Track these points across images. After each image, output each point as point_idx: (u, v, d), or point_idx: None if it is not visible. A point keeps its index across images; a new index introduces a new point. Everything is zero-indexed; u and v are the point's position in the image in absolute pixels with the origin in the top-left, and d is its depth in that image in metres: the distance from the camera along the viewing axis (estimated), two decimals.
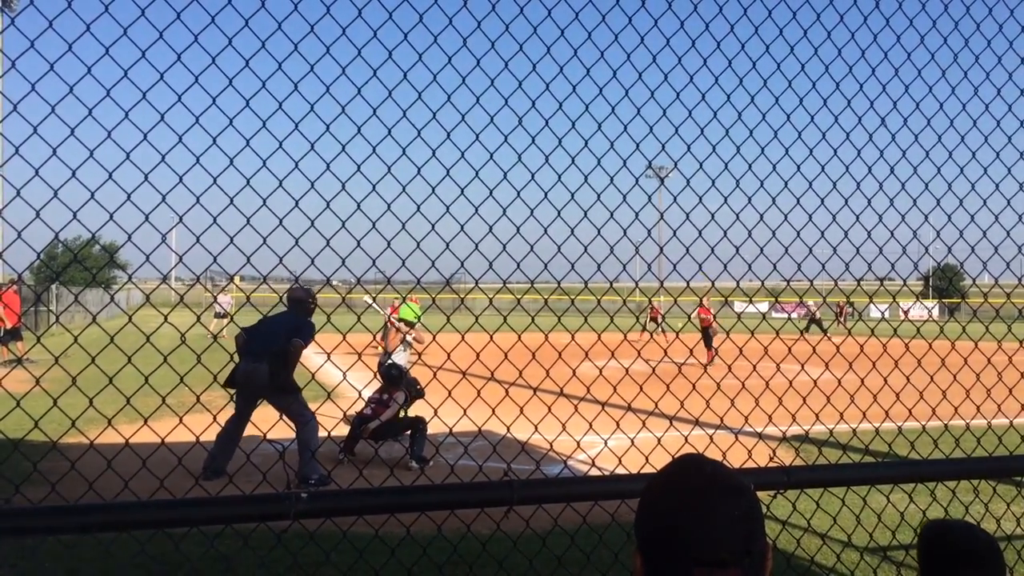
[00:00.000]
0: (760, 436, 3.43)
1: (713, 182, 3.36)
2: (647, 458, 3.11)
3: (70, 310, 37.70)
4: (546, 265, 3.10)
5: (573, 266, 3.17)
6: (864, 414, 3.61)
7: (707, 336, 20.70)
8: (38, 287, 29.41)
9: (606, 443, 3.23)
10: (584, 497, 2.86)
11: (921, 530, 2.43)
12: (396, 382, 9.89)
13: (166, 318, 2.33)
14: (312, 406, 7.48)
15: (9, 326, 19.43)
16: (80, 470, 2.50)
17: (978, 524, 2.35)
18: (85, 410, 2.21)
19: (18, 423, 2.32)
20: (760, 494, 2.81)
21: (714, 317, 18.34)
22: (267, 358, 8.33)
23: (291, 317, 8.67)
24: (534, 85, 3.15)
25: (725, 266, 3.41)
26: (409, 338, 11.08)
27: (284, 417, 7.96)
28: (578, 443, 3.19)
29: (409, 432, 9.29)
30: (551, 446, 3.06)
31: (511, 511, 2.64)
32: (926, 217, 3.76)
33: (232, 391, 8.58)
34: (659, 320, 33.07)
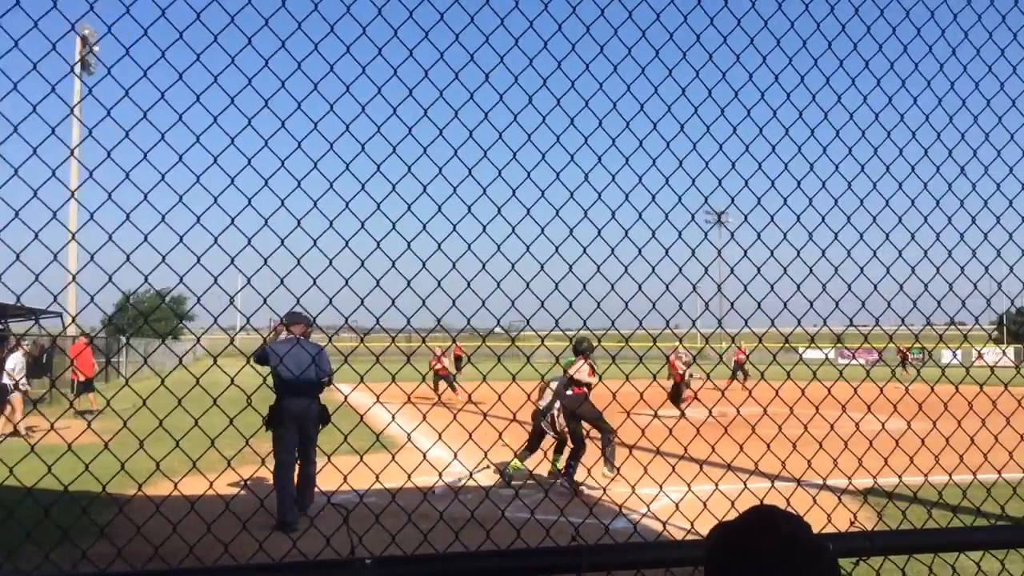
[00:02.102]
0: (840, 498, 3.28)
1: (772, 218, 3.27)
2: (720, 521, 2.98)
3: (136, 362, 38.64)
4: (613, 323, 3.04)
5: (641, 323, 3.11)
6: (950, 475, 3.43)
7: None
8: (109, 341, 30.25)
9: (677, 507, 3.11)
10: (656, 564, 2.75)
11: None
12: (586, 352, 10.23)
13: (232, 380, 2.33)
14: (375, 461, 7.46)
15: (83, 379, 19.99)
16: (146, 532, 2.50)
17: None
18: (151, 475, 2.21)
19: (84, 479, 2.34)
20: (841, 561, 2.67)
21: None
22: (314, 393, 8.61)
23: (309, 346, 8.81)
24: (614, 160, 3.12)
25: (799, 321, 3.30)
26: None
27: (304, 449, 8.48)
28: (648, 507, 3.09)
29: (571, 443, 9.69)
30: (619, 510, 2.97)
31: None
32: (998, 252, 3.59)
33: (271, 430, 8.74)
34: (744, 366, 29.03)
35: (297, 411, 8.37)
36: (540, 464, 9.80)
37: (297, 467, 8.61)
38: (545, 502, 2.68)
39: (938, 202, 3.42)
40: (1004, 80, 3.49)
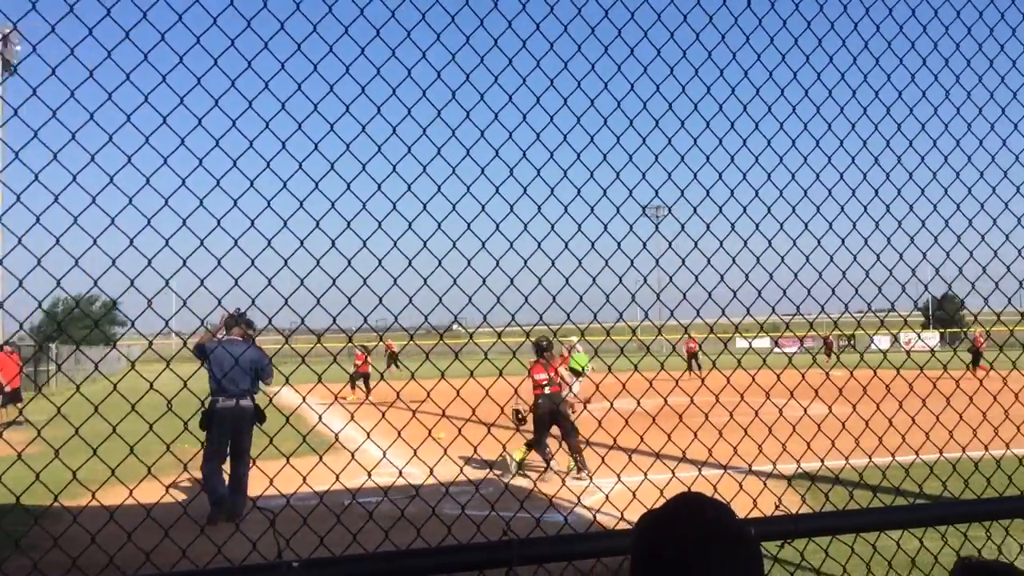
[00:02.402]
0: (765, 482, 3.37)
1: (695, 209, 3.33)
2: (648, 509, 3.02)
3: (68, 366, 37.45)
4: (541, 316, 3.06)
5: (568, 316, 3.12)
6: (870, 457, 3.54)
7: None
8: (36, 349, 29.25)
9: (607, 497, 3.15)
10: (587, 555, 2.78)
11: (957, 570, 2.32)
12: (551, 351, 10.75)
13: (151, 385, 2.27)
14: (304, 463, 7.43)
15: (8, 389, 19.30)
16: (64, 543, 2.43)
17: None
18: (67, 484, 2.15)
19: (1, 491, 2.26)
20: (767, 544, 2.73)
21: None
22: (249, 395, 8.51)
23: (247, 348, 8.76)
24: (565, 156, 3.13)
25: (723, 311, 3.36)
26: (573, 391, 11.02)
27: (237, 449, 8.50)
28: (579, 498, 3.12)
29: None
30: (550, 503, 2.98)
31: (512, 571, 2.57)
32: (912, 240, 3.71)
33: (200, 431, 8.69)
34: (698, 357, 30.28)
35: (228, 412, 8.36)
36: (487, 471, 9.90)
37: (229, 471, 8.60)
38: (476, 498, 2.69)
39: (854, 192, 3.52)
40: (914, 72, 3.60)
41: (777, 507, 3.14)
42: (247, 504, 8.22)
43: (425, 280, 2.88)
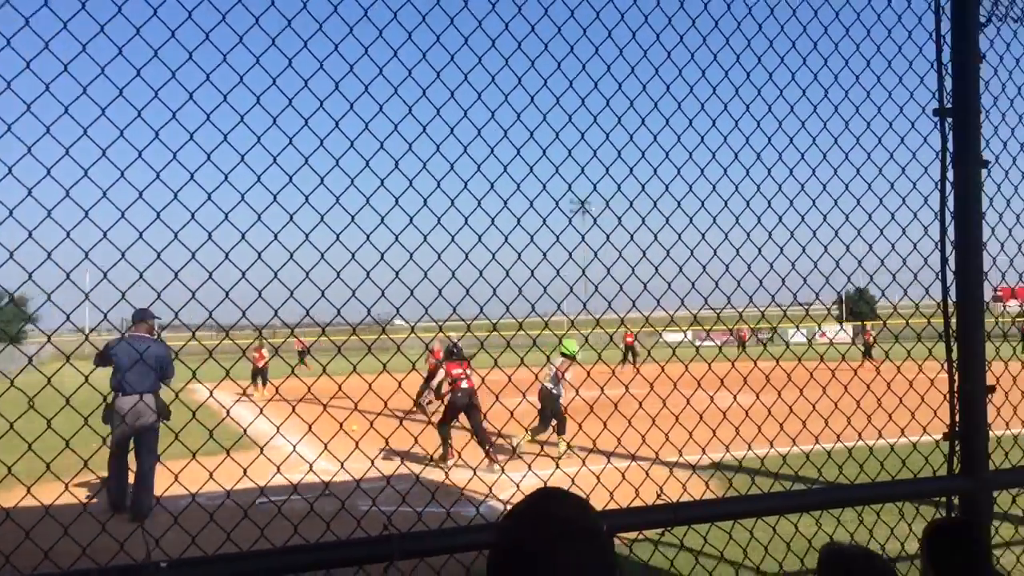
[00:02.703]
0: (647, 472, 3.45)
1: (631, 202, 3.38)
2: (511, 506, 3.06)
3: None
4: (455, 308, 3.06)
5: (483, 310, 3.14)
6: (749, 445, 3.67)
7: None
8: None
9: (491, 489, 3.18)
10: (469, 547, 2.79)
11: (822, 555, 2.52)
12: (462, 356, 12.10)
13: (12, 383, 2.19)
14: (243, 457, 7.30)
15: None
16: None
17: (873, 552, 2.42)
18: None
19: None
20: (648, 532, 2.80)
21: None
22: (152, 392, 8.34)
23: (152, 345, 8.60)
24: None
25: (659, 301, 3.41)
26: (568, 376, 11.27)
27: (139, 447, 8.48)
28: (462, 491, 3.14)
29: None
30: (433, 496, 2.99)
31: (393, 566, 2.57)
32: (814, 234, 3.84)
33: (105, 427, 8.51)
34: (635, 349, 31.56)
35: (129, 409, 8.21)
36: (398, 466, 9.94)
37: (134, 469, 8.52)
38: (357, 493, 2.67)
39: (781, 187, 3.63)
40: (837, 73, 3.72)
41: (659, 496, 3.23)
42: (152, 503, 8.09)
43: (307, 274, 2.84)
